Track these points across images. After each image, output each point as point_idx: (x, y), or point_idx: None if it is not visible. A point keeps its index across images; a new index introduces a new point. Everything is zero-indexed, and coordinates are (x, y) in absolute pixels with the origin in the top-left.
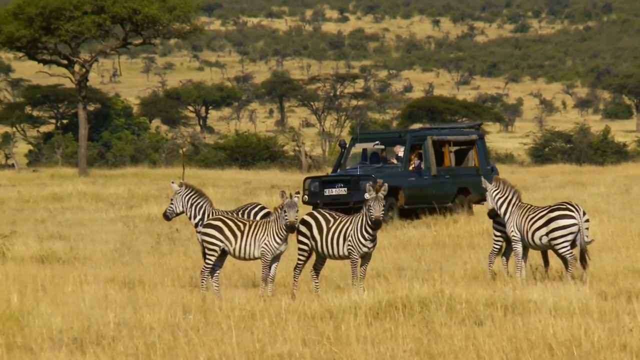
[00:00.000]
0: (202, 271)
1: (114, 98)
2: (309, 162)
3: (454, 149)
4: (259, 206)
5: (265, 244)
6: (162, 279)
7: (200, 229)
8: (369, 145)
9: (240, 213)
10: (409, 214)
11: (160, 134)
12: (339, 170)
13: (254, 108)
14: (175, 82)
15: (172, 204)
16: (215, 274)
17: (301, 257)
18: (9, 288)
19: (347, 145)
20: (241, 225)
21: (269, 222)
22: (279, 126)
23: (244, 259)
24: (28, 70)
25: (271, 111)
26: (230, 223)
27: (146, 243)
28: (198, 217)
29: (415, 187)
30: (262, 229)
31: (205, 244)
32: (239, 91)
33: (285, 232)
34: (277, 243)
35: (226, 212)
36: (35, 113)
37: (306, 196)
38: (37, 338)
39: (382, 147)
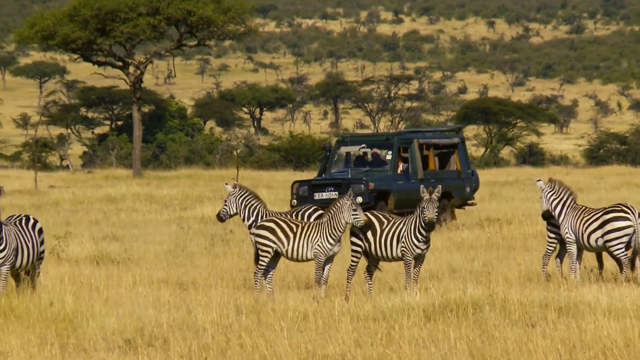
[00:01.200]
0: (255, 272)
1: (168, 99)
2: None
3: (436, 152)
4: (313, 208)
5: (318, 245)
6: (216, 281)
7: (253, 230)
8: (354, 149)
9: (294, 215)
10: None
11: (214, 136)
12: (324, 175)
13: (309, 109)
14: (229, 83)
15: (225, 205)
16: (269, 275)
17: (354, 259)
18: (63, 289)
19: (332, 149)
20: (294, 226)
21: (322, 223)
22: (333, 127)
23: (297, 260)
24: (83, 72)
25: (325, 113)
26: (284, 224)
27: (200, 244)
28: (252, 219)
29: (404, 191)
30: (315, 231)
31: (258, 246)
32: (293, 93)
33: (339, 233)
34: (330, 244)
35: (280, 213)
36: (90, 114)
37: (295, 200)
38: (91, 339)
39: (369, 150)
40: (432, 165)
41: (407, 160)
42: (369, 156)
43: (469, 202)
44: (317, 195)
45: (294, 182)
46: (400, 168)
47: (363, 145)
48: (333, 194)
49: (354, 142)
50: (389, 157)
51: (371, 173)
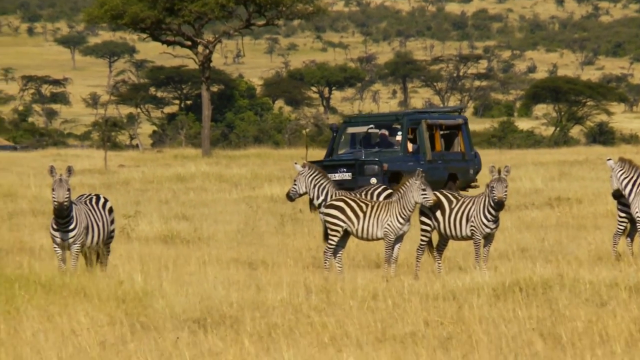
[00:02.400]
0: (325, 252)
1: (237, 79)
2: None
3: (441, 133)
4: (382, 187)
5: (388, 224)
6: (285, 260)
7: (322, 209)
8: (362, 129)
9: (363, 194)
10: None
11: (283, 115)
12: (332, 156)
13: (377, 89)
14: (298, 62)
15: (295, 184)
16: (338, 255)
17: (424, 238)
18: (133, 268)
19: (339, 129)
20: (363, 205)
21: (391, 202)
22: (402, 107)
23: (367, 239)
24: (152, 51)
25: (394, 92)
26: (353, 204)
27: (269, 224)
28: (321, 198)
29: (414, 172)
30: (384, 210)
31: (328, 225)
32: (362, 72)
33: (409, 213)
34: (400, 223)
35: (349, 192)
36: (159, 94)
37: None
38: (160, 318)
39: (377, 130)
40: (439, 147)
41: (413, 140)
42: (374, 137)
43: (472, 184)
44: (330, 176)
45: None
46: (410, 149)
47: (371, 126)
48: (346, 175)
49: (360, 122)
50: (398, 137)
51: (382, 154)
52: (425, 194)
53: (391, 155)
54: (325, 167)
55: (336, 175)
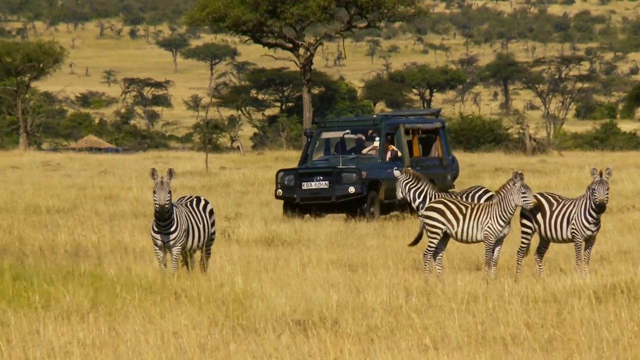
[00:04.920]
0: (424, 254)
1: (338, 81)
2: (533, 145)
3: (419, 137)
4: (483, 189)
5: (489, 227)
6: (385, 262)
7: (422, 212)
8: (338, 134)
9: (464, 196)
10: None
11: None
12: (307, 162)
13: (479, 91)
14: (399, 65)
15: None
16: (438, 257)
17: (525, 241)
18: (233, 270)
19: (313, 134)
20: (463, 208)
21: (492, 205)
22: (504, 109)
23: (467, 241)
24: (253, 53)
25: (495, 94)
26: (453, 206)
27: (370, 226)
28: (418, 201)
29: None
30: (485, 212)
31: (427, 227)
32: (463, 74)
33: (509, 216)
34: (501, 226)
35: (450, 195)
36: (260, 96)
37: (280, 190)
38: (261, 320)
39: (354, 136)
40: (417, 152)
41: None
42: (349, 141)
43: (450, 190)
44: (305, 185)
45: (279, 171)
46: (389, 155)
47: (347, 131)
48: (323, 184)
49: (336, 127)
50: (376, 143)
51: (360, 161)
52: (525, 197)
53: (369, 163)
54: (301, 175)
55: (312, 183)
